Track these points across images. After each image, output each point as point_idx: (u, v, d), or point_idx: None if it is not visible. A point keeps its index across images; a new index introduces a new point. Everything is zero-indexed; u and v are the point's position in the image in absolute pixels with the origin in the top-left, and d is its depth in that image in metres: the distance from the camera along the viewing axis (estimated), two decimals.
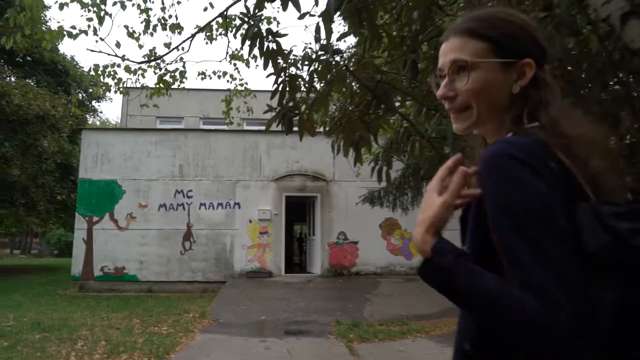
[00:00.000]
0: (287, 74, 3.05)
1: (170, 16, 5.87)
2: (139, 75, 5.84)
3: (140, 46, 5.91)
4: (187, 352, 5.81)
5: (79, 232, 12.76)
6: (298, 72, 3.22)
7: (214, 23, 5.46)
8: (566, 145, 0.80)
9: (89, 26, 5.05)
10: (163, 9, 5.67)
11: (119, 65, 5.90)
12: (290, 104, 3.17)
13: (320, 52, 3.04)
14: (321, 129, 3.94)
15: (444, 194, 0.87)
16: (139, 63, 5.56)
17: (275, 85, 3.06)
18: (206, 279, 12.70)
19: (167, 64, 5.77)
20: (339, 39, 3.47)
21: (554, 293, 0.69)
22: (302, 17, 2.85)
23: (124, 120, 18.09)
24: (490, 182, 0.79)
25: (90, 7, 4.87)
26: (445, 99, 0.95)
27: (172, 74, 5.84)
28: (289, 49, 3.00)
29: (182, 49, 5.39)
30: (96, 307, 9.30)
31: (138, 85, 6.16)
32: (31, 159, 16.64)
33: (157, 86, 5.91)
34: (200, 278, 12.71)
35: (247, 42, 2.88)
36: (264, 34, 2.88)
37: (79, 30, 5.07)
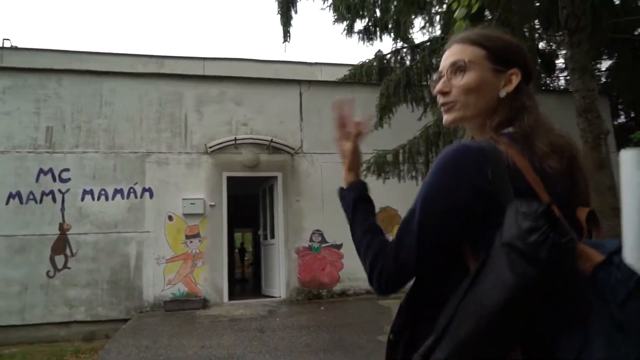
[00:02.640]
0: None
1: None
2: None
3: None
4: None
5: None
6: None
7: None
8: (531, 149, 0.92)
9: None
10: None
11: None
12: None
13: None
14: None
15: (348, 141, 1.24)
16: None
17: None
18: (94, 317, 7.51)
19: None
20: None
21: (391, 256, 0.95)
22: None
23: None
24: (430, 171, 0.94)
25: None
26: (441, 94, 1.06)
27: None
28: None
29: None
30: None
31: None
32: None
33: None
34: (82, 316, 7.49)
35: None
36: None
37: None
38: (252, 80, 8.94)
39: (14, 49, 13.03)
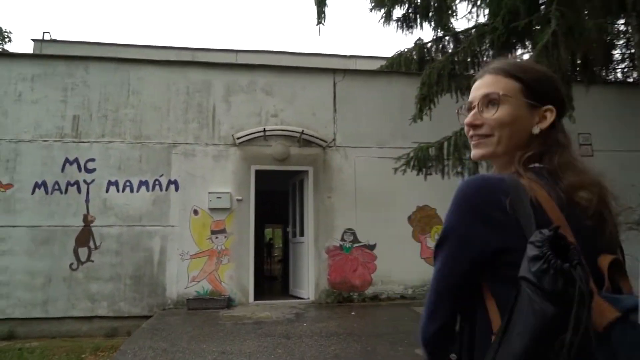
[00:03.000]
0: None
1: None
2: None
3: None
4: None
5: None
6: None
7: None
8: (557, 185, 0.87)
9: None
10: None
11: None
12: None
13: None
14: None
15: None
16: None
17: None
18: (116, 313, 7.26)
19: None
20: None
21: (425, 308, 0.94)
22: None
23: None
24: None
25: None
26: (472, 127, 1.00)
27: None
28: None
29: None
30: None
31: None
32: None
33: None
34: (105, 311, 7.26)
35: None
36: None
37: None
38: (283, 69, 8.48)
39: (52, 41, 13.07)
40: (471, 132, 1.01)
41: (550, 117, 0.96)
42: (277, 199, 11.72)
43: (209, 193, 7.70)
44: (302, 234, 8.30)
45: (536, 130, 0.95)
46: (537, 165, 0.92)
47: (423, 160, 6.03)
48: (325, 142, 7.83)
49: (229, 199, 7.71)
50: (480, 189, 0.87)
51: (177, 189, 7.72)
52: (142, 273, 7.41)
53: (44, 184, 7.43)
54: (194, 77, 8.12)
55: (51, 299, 7.17)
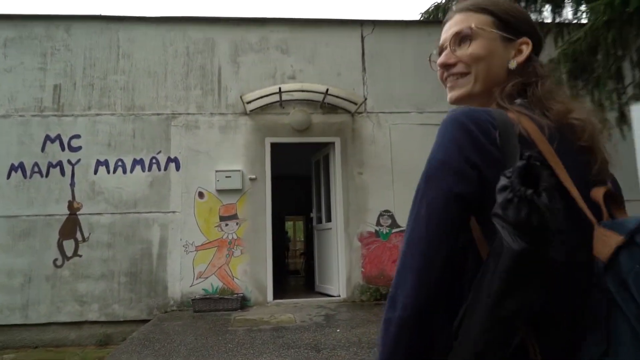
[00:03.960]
0: None
1: None
2: None
3: None
4: None
5: None
6: None
7: None
8: (545, 116, 0.80)
9: None
10: None
11: None
12: None
13: None
14: None
15: None
16: None
17: None
18: (110, 317, 6.05)
19: None
20: None
21: (408, 268, 0.78)
22: None
23: None
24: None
25: None
26: (445, 67, 0.94)
27: None
28: None
29: None
30: None
31: None
32: None
33: None
34: (95, 315, 6.05)
35: None
36: None
37: None
38: (301, 23, 7.09)
39: None
40: (445, 74, 0.94)
41: (526, 50, 0.89)
42: (298, 185, 10.46)
43: (217, 172, 6.40)
44: (328, 219, 6.94)
45: (513, 64, 0.88)
46: (519, 100, 0.84)
47: None
48: (356, 104, 6.40)
49: (240, 178, 6.40)
50: (470, 119, 0.76)
51: (178, 167, 6.44)
52: (139, 269, 6.17)
53: (21, 166, 6.25)
54: (194, 36, 6.81)
55: (32, 301, 5.99)
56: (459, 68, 0.91)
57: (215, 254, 6.29)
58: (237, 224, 6.37)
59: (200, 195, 6.40)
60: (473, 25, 0.89)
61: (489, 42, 0.89)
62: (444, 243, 0.73)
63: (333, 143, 6.77)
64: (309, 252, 13.17)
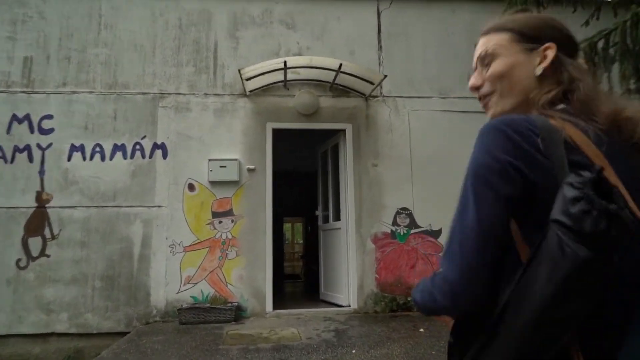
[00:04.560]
0: None
1: None
2: None
3: None
4: None
5: None
6: None
7: None
8: (591, 120, 0.80)
9: None
10: None
11: None
12: None
13: None
14: None
15: None
16: None
17: None
18: (81, 329, 5.16)
19: None
20: None
21: (456, 263, 0.77)
22: None
23: None
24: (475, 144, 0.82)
25: None
26: (475, 89, 0.98)
27: None
28: None
29: None
30: None
31: None
32: None
33: None
34: (65, 326, 5.16)
35: None
36: None
37: None
38: None
39: None
40: (477, 95, 0.98)
41: (551, 54, 0.89)
42: (297, 183, 9.62)
43: (210, 161, 5.53)
44: (337, 218, 6.08)
45: (538, 71, 0.89)
46: (562, 106, 0.84)
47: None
48: (373, 83, 5.53)
49: (236, 169, 5.53)
50: (509, 126, 0.78)
51: (165, 155, 5.58)
52: (118, 272, 5.29)
53: None
54: (188, 6, 5.95)
55: None
56: (486, 88, 0.95)
57: (207, 256, 5.42)
58: (232, 221, 5.50)
59: (191, 187, 5.53)
60: (491, 46, 0.93)
61: (509, 57, 0.91)
62: (490, 245, 0.76)
63: (344, 130, 5.92)
64: (309, 256, 12.34)
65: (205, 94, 5.77)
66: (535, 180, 0.74)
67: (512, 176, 0.74)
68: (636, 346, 0.68)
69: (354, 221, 5.73)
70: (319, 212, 6.72)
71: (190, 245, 5.42)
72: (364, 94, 5.89)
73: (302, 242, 17.20)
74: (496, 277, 0.76)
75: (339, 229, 5.95)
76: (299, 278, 12.03)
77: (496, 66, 0.92)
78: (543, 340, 0.69)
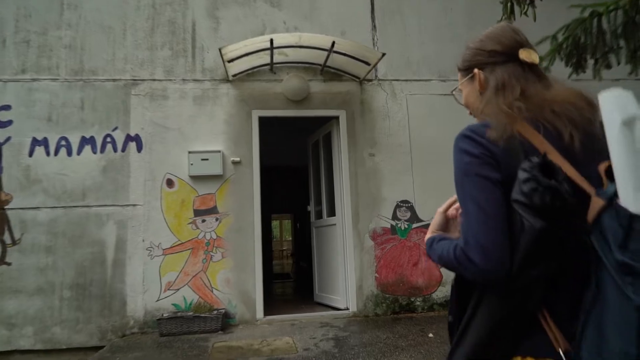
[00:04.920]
0: None
1: None
2: None
3: None
4: None
5: None
6: None
7: None
8: (537, 115, 0.96)
9: None
10: None
11: None
12: None
13: None
14: None
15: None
16: None
17: None
18: (49, 344, 4.59)
19: None
20: None
21: (466, 237, 0.90)
22: None
23: None
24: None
25: None
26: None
27: None
28: None
29: None
30: None
31: None
32: None
33: None
34: (29, 342, 4.58)
35: None
36: None
37: None
38: None
39: None
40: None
41: (477, 76, 1.08)
42: (283, 179, 9.13)
43: (190, 153, 4.99)
44: (331, 213, 5.59)
45: (477, 92, 1.10)
46: (518, 104, 0.98)
47: (582, 45, 3.29)
48: (369, 64, 5.02)
49: (219, 162, 5.00)
50: (470, 131, 0.96)
51: (139, 148, 5.02)
52: (89, 280, 4.73)
53: None
54: None
55: None
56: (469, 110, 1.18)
57: (189, 258, 4.89)
58: (216, 219, 4.97)
59: (169, 183, 4.99)
60: (457, 88, 1.19)
61: (465, 90, 1.14)
62: (499, 225, 0.87)
63: (337, 118, 5.42)
64: (298, 254, 11.85)
65: (184, 79, 5.21)
66: (501, 171, 0.90)
67: (491, 164, 0.90)
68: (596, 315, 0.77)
69: (350, 216, 5.25)
70: (311, 208, 6.22)
71: (170, 248, 4.88)
72: (358, 78, 5.40)
73: (290, 239, 16.72)
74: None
75: (334, 225, 5.46)
76: (289, 277, 11.52)
77: (464, 99, 1.16)
78: (516, 305, 0.86)
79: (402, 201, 5.31)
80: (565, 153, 0.89)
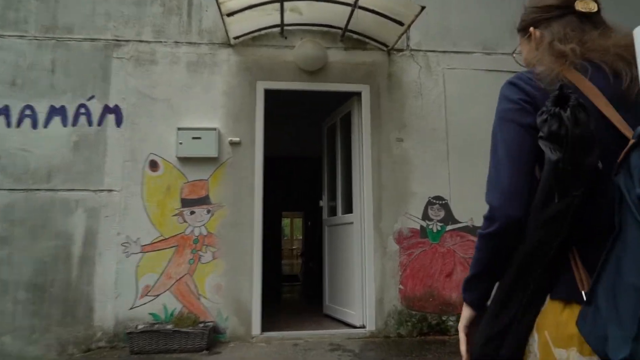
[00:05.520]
0: None
1: None
2: None
3: None
4: None
5: None
6: None
7: None
8: (582, 57, 0.95)
9: None
10: None
11: None
12: None
13: None
14: None
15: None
16: None
17: None
18: None
19: None
20: None
21: (489, 182, 0.93)
22: None
23: None
24: None
25: None
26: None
27: None
28: None
29: None
30: None
31: None
32: None
33: None
34: None
35: None
36: None
37: None
38: None
39: None
40: None
41: (534, 34, 1.07)
42: (294, 172, 8.22)
43: (180, 130, 4.11)
44: (348, 210, 4.66)
45: (534, 49, 1.07)
46: (570, 48, 0.97)
47: None
48: (402, 24, 4.06)
49: (215, 142, 4.11)
50: (516, 78, 0.97)
51: (119, 122, 4.15)
52: (50, 279, 3.87)
53: None
54: None
55: None
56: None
57: (173, 258, 4.00)
58: (208, 212, 4.08)
59: (153, 165, 4.11)
60: (517, 49, 1.19)
61: (524, 51, 1.12)
62: (523, 170, 0.90)
63: (359, 94, 4.49)
64: (309, 253, 10.93)
65: (176, 42, 4.33)
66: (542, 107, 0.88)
67: (527, 109, 0.91)
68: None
69: (371, 214, 4.31)
70: (323, 203, 5.29)
71: (150, 244, 4.00)
72: (386, 46, 4.46)
73: (301, 237, 15.86)
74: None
75: (351, 223, 4.53)
76: (297, 280, 10.60)
77: (523, 58, 1.15)
78: (542, 238, 0.85)
79: (436, 197, 4.35)
80: (616, 97, 0.88)
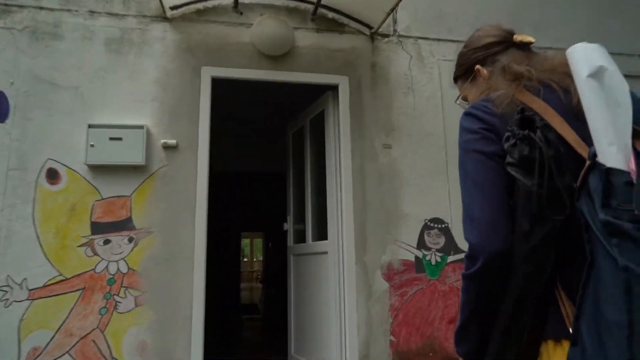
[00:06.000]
0: None
1: None
2: None
3: None
4: None
5: None
6: None
7: None
8: (532, 84, 0.96)
9: None
10: None
11: None
12: None
13: None
14: None
15: None
16: None
17: None
18: None
19: None
20: None
21: (463, 217, 0.90)
22: None
23: None
24: None
25: None
26: None
27: None
28: None
29: None
30: None
31: None
32: None
33: None
34: None
35: None
36: None
37: None
38: None
39: None
40: None
41: (480, 72, 1.10)
42: (250, 185, 7.20)
43: (91, 127, 2.99)
44: (322, 236, 3.63)
45: (485, 80, 1.08)
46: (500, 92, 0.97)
47: None
48: (377, 18, 3.16)
49: (142, 144, 3.01)
50: (472, 108, 0.96)
51: (3, 116, 2.98)
52: None
53: None
54: None
55: None
56: None
57: (77, 307, 2.83)
58: (130, 240, 2.95)
59: (52, 176, 2.95)
60: (459, 96, 1.22)
61: (470, 94, 1.14)
62: (495, 198, 0.85)
63: (335, 88, 3.52)
64: (270, 279, 9.77)
65: (91, 11, 3.23)
66: (501, 142, 0.86)
67: (489, 137, 0.89)
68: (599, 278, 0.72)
69: (352, 242, 3.30)
70: (288, 226, 4.22)
71: (43, 287, 2.81)
72: (369, 28, 3.53)
73: (262, 258, 14.64)
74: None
75: (325, 253, 3.49)
76: (256, 310, 9.40)
77: (469, 100, 1.16)
78: (535, 265, 0.80)
79: (433, 220, 3.41)
80: (569, 113, 0.87)
